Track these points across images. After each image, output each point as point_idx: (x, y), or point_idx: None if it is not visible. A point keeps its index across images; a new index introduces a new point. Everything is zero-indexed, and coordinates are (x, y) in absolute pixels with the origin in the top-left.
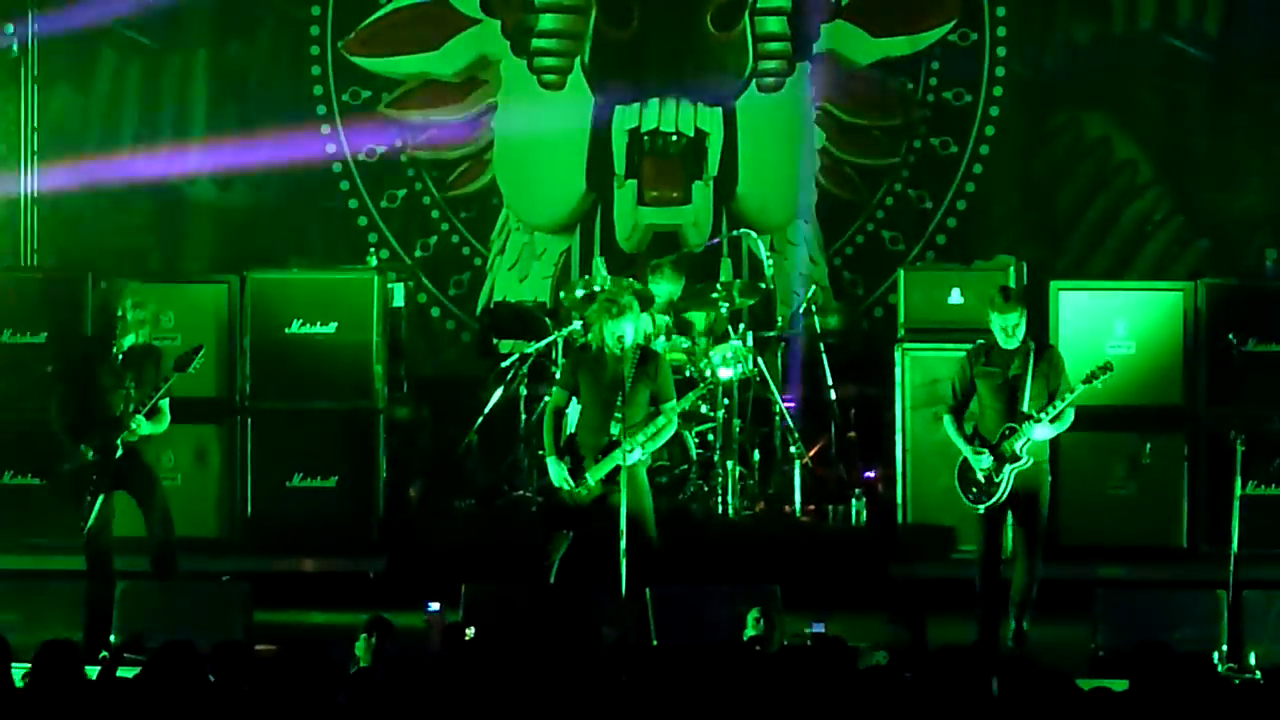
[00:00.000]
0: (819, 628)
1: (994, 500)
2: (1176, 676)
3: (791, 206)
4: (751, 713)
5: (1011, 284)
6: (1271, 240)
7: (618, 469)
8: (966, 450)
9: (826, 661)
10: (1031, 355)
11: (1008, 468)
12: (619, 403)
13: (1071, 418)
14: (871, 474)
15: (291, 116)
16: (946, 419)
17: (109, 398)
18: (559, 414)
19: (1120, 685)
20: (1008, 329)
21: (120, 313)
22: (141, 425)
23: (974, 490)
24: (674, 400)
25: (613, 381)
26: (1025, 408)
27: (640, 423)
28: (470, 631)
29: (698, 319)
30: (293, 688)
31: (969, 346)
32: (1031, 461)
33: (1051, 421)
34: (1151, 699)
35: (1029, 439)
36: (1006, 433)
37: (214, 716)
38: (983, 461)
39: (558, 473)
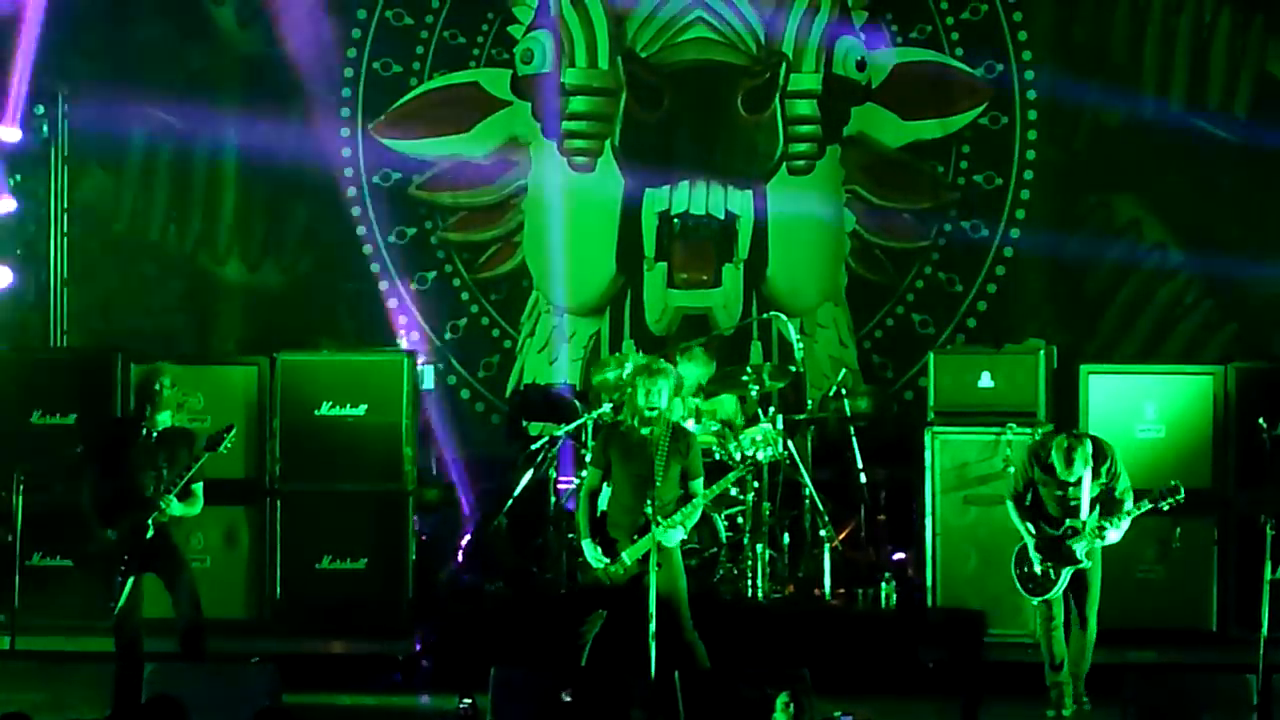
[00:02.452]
0: None
1: (1051, 594)
2: None
3: (821, 289)
4: None
5: (1044, 373)
6: None
7: (656, 548)
8: (1029, 540)
9: None
10: (1089, 465)
11: (1066, 569)
12: (654, 480)
13: (1129, 523)
14: (901, 556)
15: (321, 199)
16: (1010, 505)
17: (140, 478)
18: (594, 495)
19: None
20: (1071, 477)
21: (157, 388)
22: (173, 506)
23: (1030, 584)
24: (702, 478)
25: (645, 459)
26: (1084, 508)
27: (673, 502)
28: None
29: (728, 402)
30: None
31: (999, 430)
32: (1090, 564)
33: (1116, 528)
34: None
35: (1093, 545)
36: (1069, 532)
37: None
38: (1041, 559)
39: (593, 553)
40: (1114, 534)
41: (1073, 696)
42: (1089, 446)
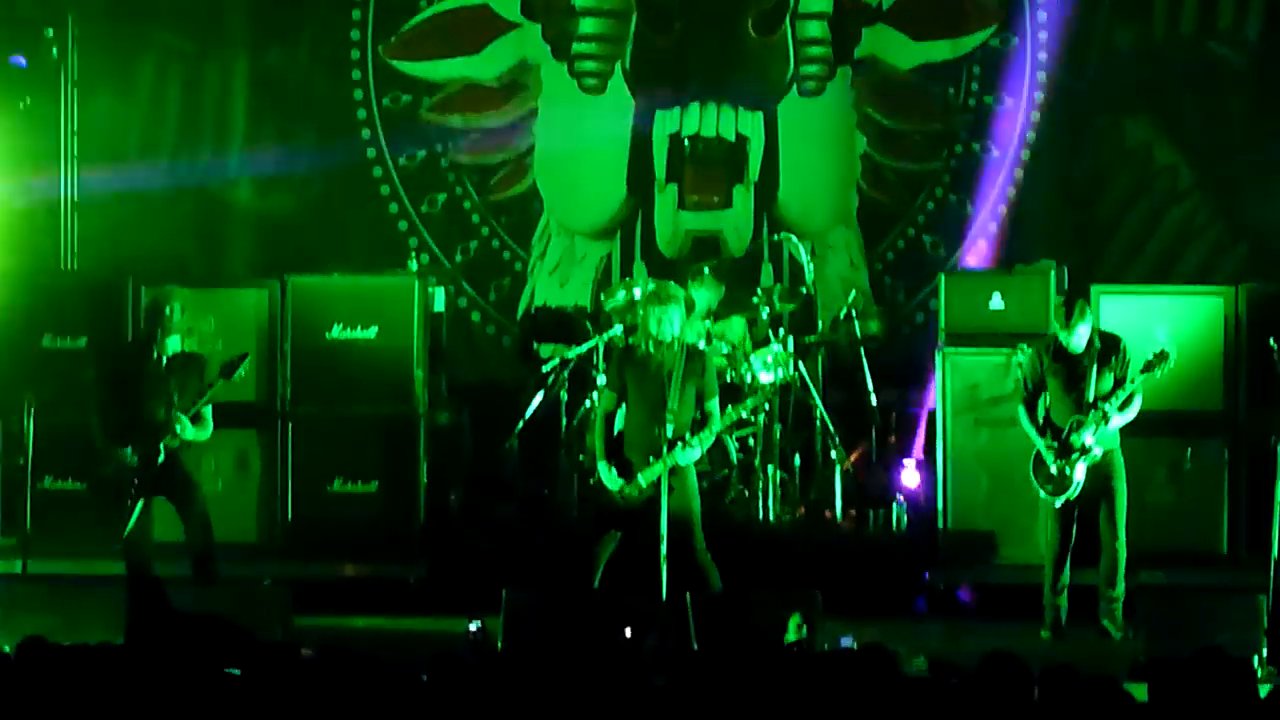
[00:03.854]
0: (847, 641)
1: (1069, 494)
2: (1222, 682)
3: (832, 211)
4: (793, 717)
5: (1054, 294)
6: None
7: (670, 470)
8: (1039, 443)
9: (868, 667)
10: (1098, 349)
11: (1079, 460)
12: (669, 403)
13: (1138, 406)
14: (910, 460)
15: (331, 121)
16: (1020, 410)
17: (151, 403)
18: (610, 417)
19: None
20: (1074, 341)
21: (168, 312)
22: (186, 430)
23: (1049, 484)
24: (717, 398)
25: (659, 382)
26: (1091, 399)
27: (689, 423)
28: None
29: (738, 324)
30: (334, 691)
31: (1009, 351)
32: (1103, 452)
33: (1120, 410)
34: (1192, 703)
35: (1097, 429)
36: (1074, 425)
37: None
38: (1054, 455)
39: (609, 476)
40: (1116, 418)
41: (1113, 622)
42: (1088, 308)
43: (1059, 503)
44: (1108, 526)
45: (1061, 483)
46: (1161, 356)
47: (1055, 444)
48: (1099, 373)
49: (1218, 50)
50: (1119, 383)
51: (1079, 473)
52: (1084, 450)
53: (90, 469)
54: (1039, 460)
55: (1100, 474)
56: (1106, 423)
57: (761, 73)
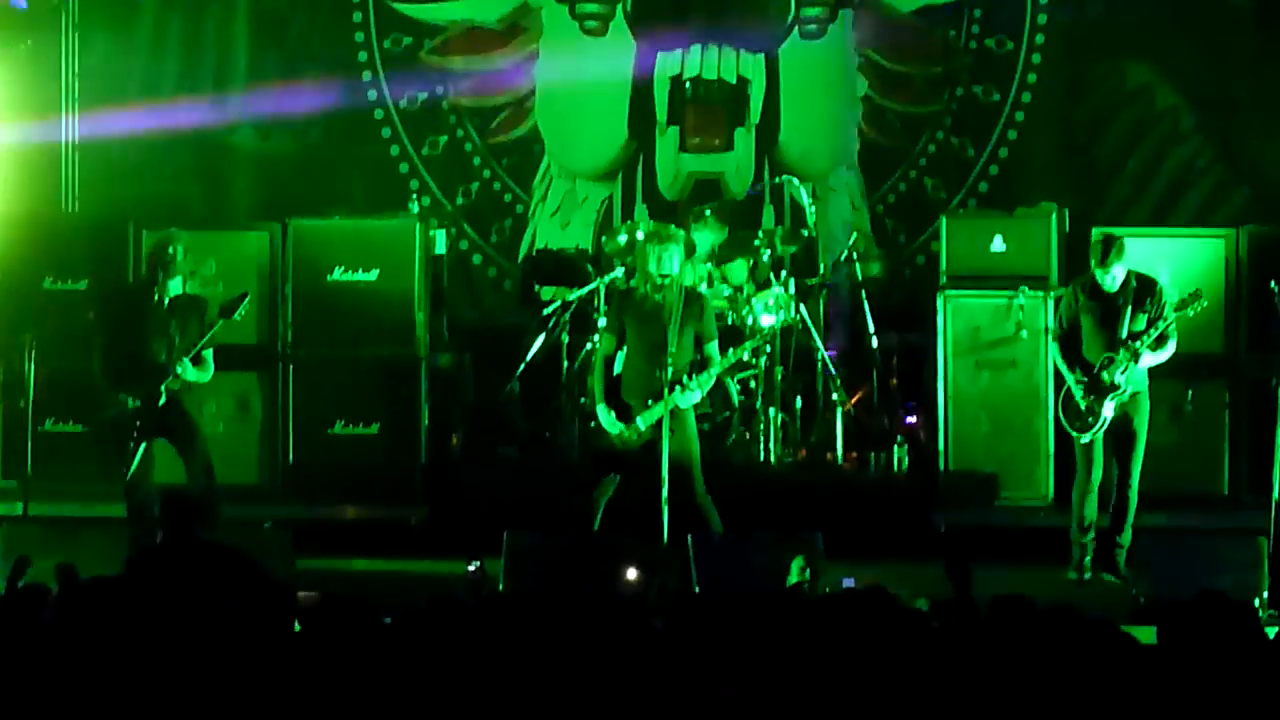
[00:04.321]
0: (849, 582)
1: (1095, 429)
2: (1224, 624)
3: (833, 154)
4: (793, 659)
5: (1056, 236)
6: None
7: (670, 413)
8: (1070, 379)
9: (869, 608)
10: (1133, 289)
11: (1109, 398)
12: (669, 345)
13: (1172, 347)
14: (913, 420)
15: (332, 64)
16: (1053, 347)
17: (152, 345)
18: (609, 360)
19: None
20: (1109, 279)
21: (170, 254)
22: (187, 371)
23: (1077, 421)
24: (716, 340)
25: (658, 324)
26: (1124, 337)
27: (688, 366)
28: None
29: (740, 267)
30: (335, 635)
31: (1010, 294)
32: (1132, 392)
33: (1152, 349)
34: (1195, 646)
35: (1128, 368)
36: (1106, 362)
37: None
38: (1083, 391)
39: (608, 419)
40: (1148, 356)
41: (1114, 567)
42: (1126, 246)
43: (1085, 439)
44: (1122, 469)
45: (1089, 420)
46: (1195, 295)
47: (1085, 380)
48: (1133, 313)
49: None
50: (1152, 323)
51: (1107, 409)
52: (1113, 388)
53: (91, 411)
54: (1068, 397)
55: (1126, 414)
56: (1137, 361)
57: (762, 15)
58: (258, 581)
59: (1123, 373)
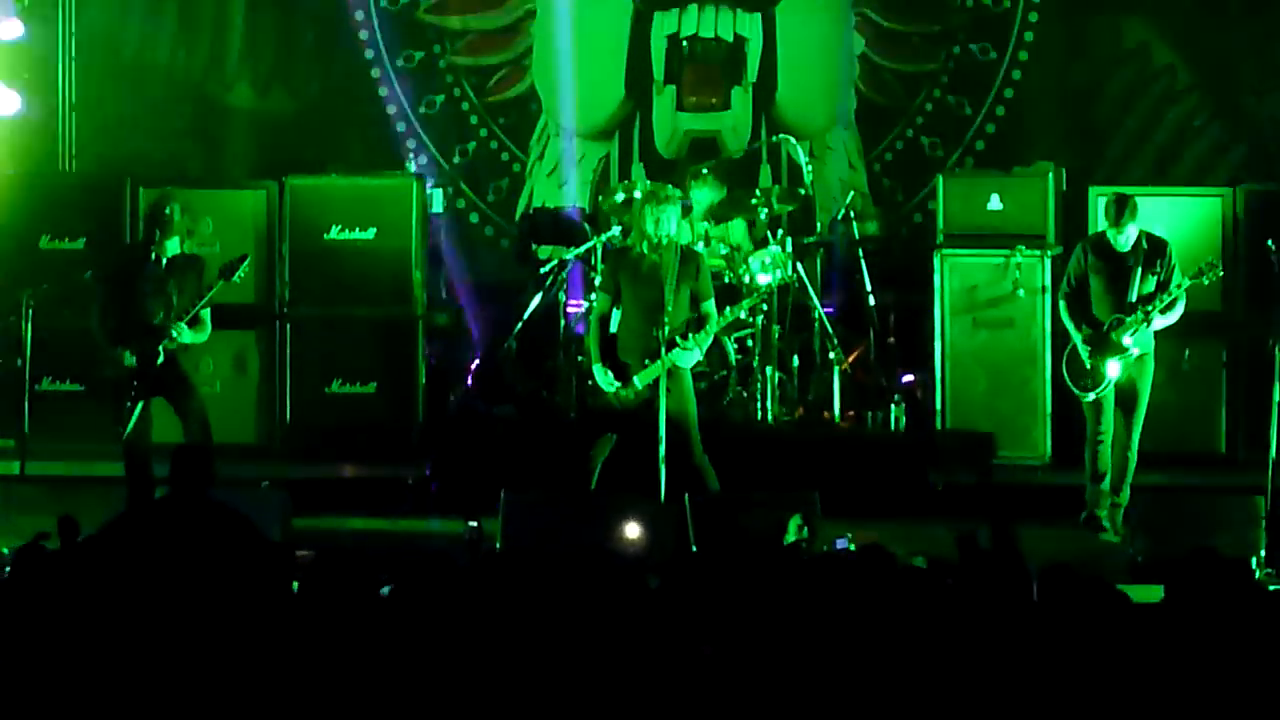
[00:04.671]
0: (844, 542)
1: (1100, 390)
2: (1217, 582)
3: (831, 112)
4: (791, 617)
5: (1053, 195)
6: None
7: (666, 372)
8: (1077, 338)
9: (866, 567)
10: (1144, 250)
11: (1114, 358)
12: (665, 305)
13: (1181, 308)
14: (910, 379)
15: (329, 22)
16: (1061, 305)
17: (149, 304)
18: (604, 320)
19: (1157, 591)
20: (1121, 239)
21: (167, 213)
22: (184, 333)
23: (1082, 380)
24: (713, 299)
25: (655, 283)
26: (1133, 299)
27: (684, 325)
28: None
29: (738, 226)
30: (332, 592)
31: (1008, 252)
32: (1138, 354)
33: (1162, 313)
34: (1191, 604)
35: (1137, 331)
36: (1114, 324)
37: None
38: (1089, 351)
39: (604, 378)
40: (1159, 319)
41: (1111, 525)
42: (1137, 205)
43: (1090, 398)
44: (1124, 430)
45: (1094, 379)
46: (1210, 265)
47: (1093, 340)
48: (1143, 275)
49: None
50: (1161, 286)
51: (1111, 370)
52: (1121, 349)
53: (89, 370)
54: (1073, 356)
55: (1131, 376)
56: (1148, 325)
57: None
58: (257, 542)
59: (1132, 334)
